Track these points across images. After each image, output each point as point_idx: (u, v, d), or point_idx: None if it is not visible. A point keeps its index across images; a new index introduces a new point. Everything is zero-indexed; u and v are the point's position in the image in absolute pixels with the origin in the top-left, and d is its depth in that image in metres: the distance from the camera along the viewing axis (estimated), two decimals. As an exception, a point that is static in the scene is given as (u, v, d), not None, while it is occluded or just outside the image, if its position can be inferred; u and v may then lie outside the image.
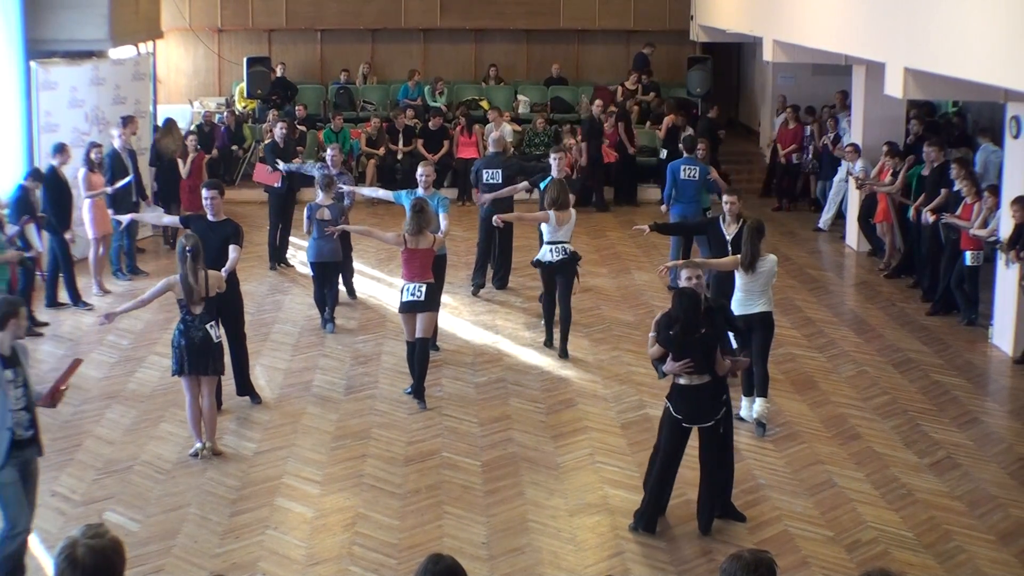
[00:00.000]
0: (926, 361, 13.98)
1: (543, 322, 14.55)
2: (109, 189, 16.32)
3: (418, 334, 12.30)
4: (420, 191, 13.54)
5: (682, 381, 9.43)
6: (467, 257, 17.72)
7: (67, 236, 15.18)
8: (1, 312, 8.31)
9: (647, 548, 9.41)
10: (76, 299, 15.76)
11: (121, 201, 16.52)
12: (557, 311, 14.05)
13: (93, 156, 16.21)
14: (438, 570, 5.06)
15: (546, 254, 13.72)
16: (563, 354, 13.94)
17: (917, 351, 14.36)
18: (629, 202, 22.98)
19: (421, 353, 12.39)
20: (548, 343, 14.31)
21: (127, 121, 18.37)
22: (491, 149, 16.63)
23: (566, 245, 13.67)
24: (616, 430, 11.80)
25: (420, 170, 13.74)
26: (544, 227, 13.88)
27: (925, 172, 16.63)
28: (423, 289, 12.18)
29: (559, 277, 13.82)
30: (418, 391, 12.46)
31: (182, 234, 11.19)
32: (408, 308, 12.26)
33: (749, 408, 11.85)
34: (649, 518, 9.66)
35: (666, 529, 9.71)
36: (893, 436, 11.77)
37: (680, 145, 17.45)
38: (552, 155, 15.12)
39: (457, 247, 17.71)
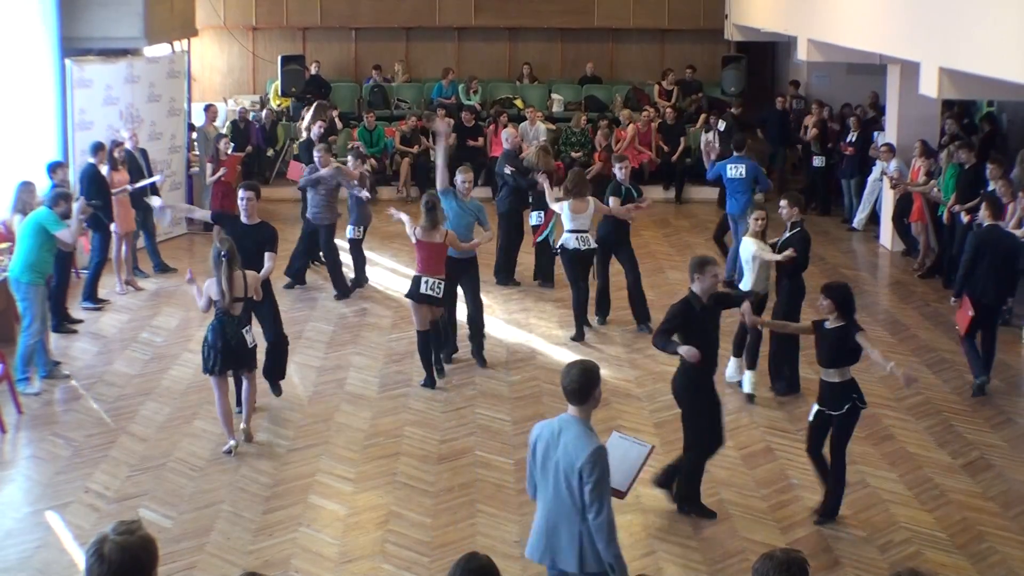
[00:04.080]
0: (960, 361, 13.87)
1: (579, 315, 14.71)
2: (130, 188, 16.33)
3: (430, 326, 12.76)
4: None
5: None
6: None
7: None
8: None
9: (680, 548, 9.41)
10: (90, 296, 15.72)
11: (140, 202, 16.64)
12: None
13: (116, 155, 16.30)
14: (472, 568, 5.08)
15: (570, 241, 14.16)
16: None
17: (951, 351, 14.28)
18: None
19: (436, 339, 12.98)
20: (579, 338, 14.48)
21: (208, 108, 20.39)
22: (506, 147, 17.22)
23: (587, 234, 14.21)
24: (649, 429, 11.77)
25: (459, 176, 13.64)
26: (564, 216, 14.22)
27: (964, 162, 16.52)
28: (441, 286, 12.60)
29: (579, 265, 14.31)
30: (436, 376, 12.96)
31: (216, 235, 11.26)
32: (425, 300, 12.58)
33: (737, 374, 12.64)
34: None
35: (699, 529, 9.71)
36: (926, 437, 11.72)
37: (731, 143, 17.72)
38: (617, 164, 15.15)
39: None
